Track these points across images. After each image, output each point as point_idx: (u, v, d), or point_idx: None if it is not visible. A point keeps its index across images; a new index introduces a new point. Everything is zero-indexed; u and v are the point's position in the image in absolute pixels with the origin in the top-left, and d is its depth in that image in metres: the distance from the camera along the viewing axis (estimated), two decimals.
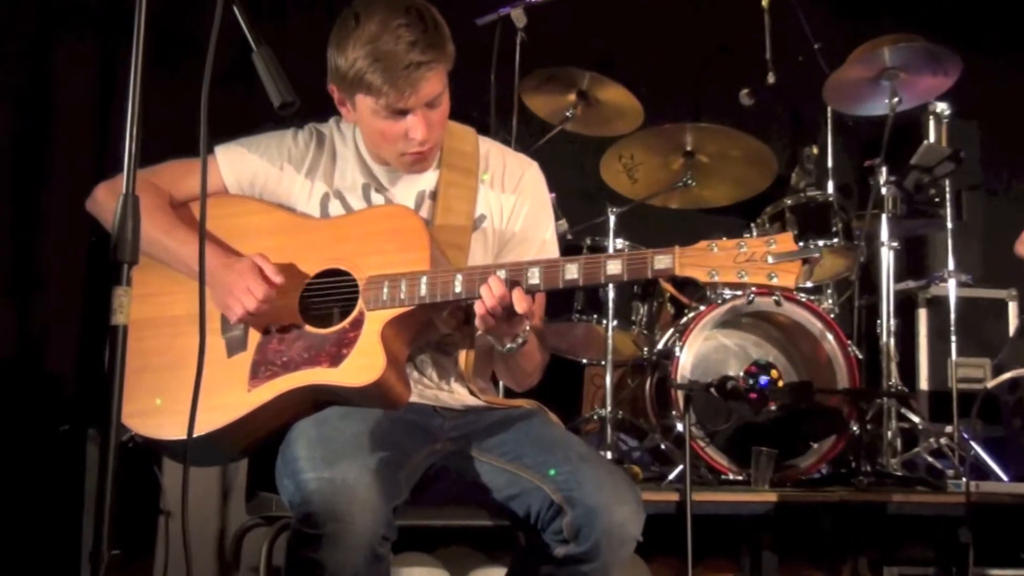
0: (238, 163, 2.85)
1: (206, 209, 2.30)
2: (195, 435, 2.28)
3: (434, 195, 2.81)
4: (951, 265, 5.07)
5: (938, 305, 5.36)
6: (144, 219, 2.07)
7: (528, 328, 2.60)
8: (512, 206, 2.86)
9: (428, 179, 2.83)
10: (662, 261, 2.39)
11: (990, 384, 4.73)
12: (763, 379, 4.43)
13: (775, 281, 2.32)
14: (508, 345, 2.59)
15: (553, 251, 2.88)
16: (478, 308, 2.48)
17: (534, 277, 2.47)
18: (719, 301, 4.63)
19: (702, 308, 4.65)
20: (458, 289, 2.51)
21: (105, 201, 2.80)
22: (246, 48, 2.31)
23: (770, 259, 2.32)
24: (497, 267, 2.51)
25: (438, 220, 2.77)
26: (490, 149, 2.92)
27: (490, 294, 2.46)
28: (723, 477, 4.45)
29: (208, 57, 2.16)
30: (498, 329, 2.53)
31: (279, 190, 2.84)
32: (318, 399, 2.58)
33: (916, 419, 4.77)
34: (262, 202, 2.84)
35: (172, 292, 2.74)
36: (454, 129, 2.87)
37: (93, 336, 4.67)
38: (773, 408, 4.42)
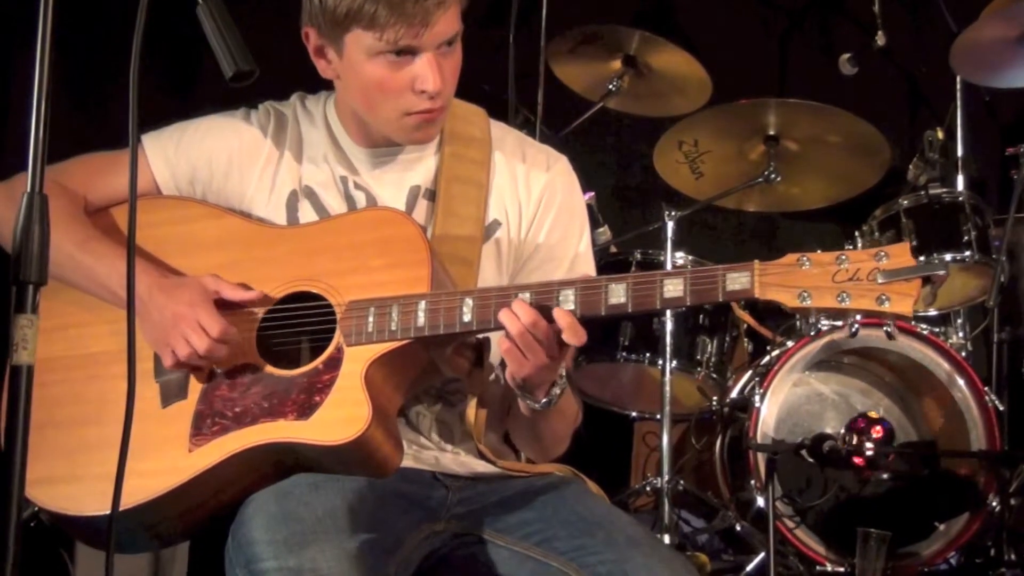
0: (173, 154, 2.87)
1: (136, 215, 2.30)
2: (119, 509, 2.27)
3: (432, 194, 2.83)
4: None
5: None
6: (51, 229, 2.07)
7: (564, 373, 2.61)
8: (535, 211, 2.87)
9: (423, 171, 2.85)
10: (737, 280, 2.39)
11: None
12: (871, 438, 4.43)
13: (886, 307, 2.32)
14: (543, 400, 2.59)
15: (587, 267, 2.89)
16: (501, 344, 2.48)
17: (568, 302, 2.46)
18: (812, 333, 4.63)
19: (790, 344, 4.65)
20: (467, 318, 2.52)
21: None
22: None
23: (880, 277, 2.33)
24: (518, 288, 2.52)
25: (438, 227, 2.78)
26: (505, 136, 2.94)
27: (514, 320, 2.45)
28: (818, 568, 4.44)
29: (139, 16, 2.17)
30: (534, 375, 2.51)
31: (228, 188, 2.87)
32: (281, 462, 2.59)
33: None
34: (206, 205, 2.86)
35: (85, 324, 2.76)
36: (458, 108, 2.89)
37: None
38: (885, 477, 4.41)
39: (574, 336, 2.43)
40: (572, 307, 2.46)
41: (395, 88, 2.66)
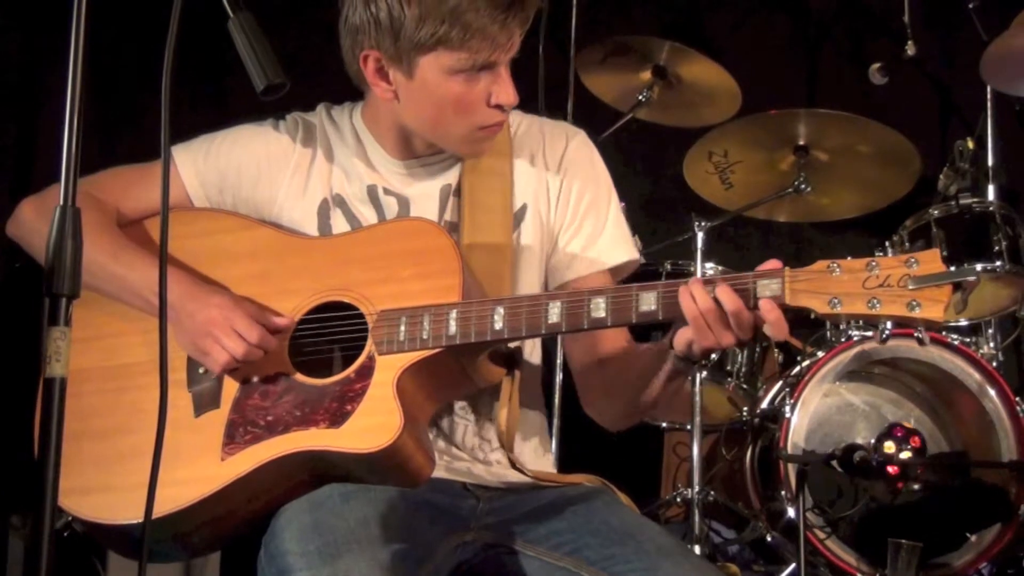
0: (203, 165, 2.90)
1: (168, 225, 2.30)
2: (152, 516, 2.28)
3: (459, 190, 2.86)
4: None
5: None
6: (83, 240, 2.08)
7: None
8: (559, 187, 2.90)
9: (452, 171, 2.88)
10: (768, 287, 2.40)
11: None
12: (902, 449, 4.41)
13: (917, 312, 2.32)
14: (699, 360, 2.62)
15: (622, 239, 2.91)
16: (692, 320, 2.47)
17: (598, 310, 2.48)
18: (844, 340, 4.61)
19: (820, 355, 4.63)
20: (498, 326, 2.53)
21: (32, 221, 2.85)
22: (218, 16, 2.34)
23: (911, 283, 2.33)
24: (549, 297, 2.54)
25: (466, 219, 2.81)
26: (521, 121, 2.97)
27: (690, 304, 2.45)
28: None
29: (171, 25, 2.18)
30: (714, 348, 2.54)
31: (258, 196, 2.89)
32: (313, 472, 2.59)
33: None
34: (238, 216, 2.88)
35: (119, 334, 2.78)
36: None
37: (10, 391, 4.70)
38: (916, 488, 4.40)
39: (779, 332, 2.42)
40: (603, 314, 2.48)
41: (470, 103, 2.69)
